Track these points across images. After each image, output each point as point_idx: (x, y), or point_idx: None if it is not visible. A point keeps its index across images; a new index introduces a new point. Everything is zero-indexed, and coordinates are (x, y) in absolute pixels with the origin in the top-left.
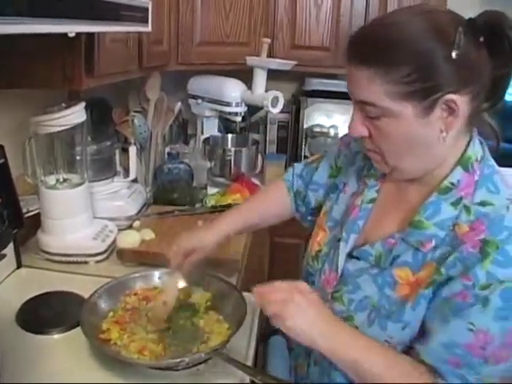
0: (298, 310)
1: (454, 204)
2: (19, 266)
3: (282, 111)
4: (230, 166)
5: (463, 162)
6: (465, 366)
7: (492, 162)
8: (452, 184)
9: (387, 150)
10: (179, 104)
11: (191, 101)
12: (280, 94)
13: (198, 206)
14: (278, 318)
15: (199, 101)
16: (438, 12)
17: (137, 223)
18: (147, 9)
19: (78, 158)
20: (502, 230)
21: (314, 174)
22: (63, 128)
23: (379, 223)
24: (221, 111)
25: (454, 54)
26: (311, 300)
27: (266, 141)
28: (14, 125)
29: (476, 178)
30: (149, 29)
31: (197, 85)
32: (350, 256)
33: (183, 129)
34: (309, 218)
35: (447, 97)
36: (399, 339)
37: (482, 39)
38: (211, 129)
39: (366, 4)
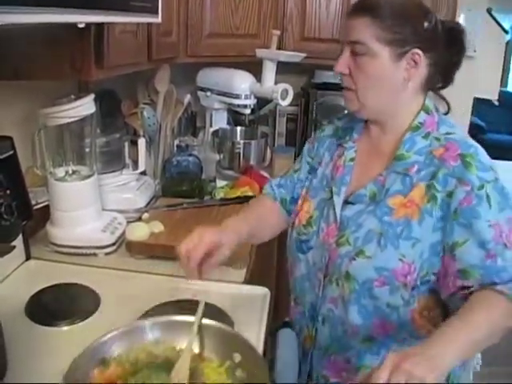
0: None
1: (425, 137)
2: (28, 257)
3: (291, 104)
4: (239, 159)
5: (424, 109)
6: (498, 256)
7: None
8: (420, 123)
9: (361, 87)
10: (188, 96)
11: (200, 93)
12: (289, 87)
13: (206, 198)
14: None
15: (208, 93)
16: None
17: (146, 215)
18: None
19: (87, 150)
20: (470, 146)
21: (295, 175)
22: (72, 120)
23: (363, 174)
24: (230, 104)
25: (426, 24)
26: (413, 354)
27: (274, 133)
28: (22, 116)
29: (436, 119)
30: (159, 20)
31: (206, 77)
32: (345, 203)
33: (192, 121)
34: None
35: (415, 50)
36: (411, 257)
37: (443, 34)
38: (220, 121)
39: None
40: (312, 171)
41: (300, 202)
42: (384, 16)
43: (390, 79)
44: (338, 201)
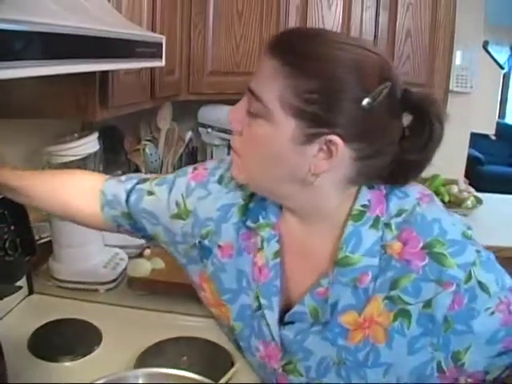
0: None
1: (374, 226)
2: (31, 292)
3: None
4: None
5: (366, 183)
6: None
7: None
8: (363, 206)
9: (249, 156)
10: (190, 133)
11: (201, 129)
12: None
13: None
14: None
15: (209, 129)
16: (375, 57)
17: (147, 251)
18: (161, 44)
19: None
20: (431, 225)
21: (147, 200)
22: (76, 158)
23: (297, 277)
24: (230, 140)
25: (365, 102)
26: None
27: None
28: (27, 153)
29: (384, 191)
30: (163, 64)
31: (207, 114)
32: (281, 322)
33: (193, 157)
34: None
35: (332, 137)
36: None
37: (404, 114)
38: (221, 157)
39: (375, 34)
40: (205, 255)
41: (211, 309)
42: (302, 69)
43: (290, 165)
44: (273, 319)
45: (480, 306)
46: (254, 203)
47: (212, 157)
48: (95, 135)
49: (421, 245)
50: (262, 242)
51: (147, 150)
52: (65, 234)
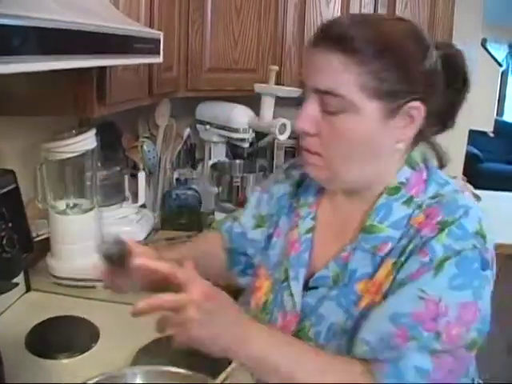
0: (201, 326)
1: (406, 202)
2: (28, 289)
3: (289, 137)
4: (238, 192)
5: (410, 162)
6: (412, 339)
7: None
8: (401, 183)
9: (336, 153)
10: (188, 130)
11: (199, 126)
12: (287, 122)
13: (205, 231)
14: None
15: (207, 126)
16: (412, 23)
17: None
18: (159, 40)
19: (87, 183)
20: (458, 208)
21: (242, 229)
22: (74, 154)
23: (325, 249)
24: (228, 137)
25: (427, 64)
26: (212, 310)
27: (273, 166)
28: (24, 150)
29: (424, 176)
30: (160, 60)
31: (205, 111)
32: (305, 289)
33: (191, 153)
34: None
35: (413, 103)
36: None
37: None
38: (219, 154)
39: None
40: (267, 238)
41: (257, 278)
42: (369, 53)
43: (377, 144)
44: (297, 287)
45: (421, 283)
46: (300, 188)
47: (210, 154)
48: (93, 132)
49: (438, 219)
50: (299, 219)
51: (145, 147)
52: (62, 231)
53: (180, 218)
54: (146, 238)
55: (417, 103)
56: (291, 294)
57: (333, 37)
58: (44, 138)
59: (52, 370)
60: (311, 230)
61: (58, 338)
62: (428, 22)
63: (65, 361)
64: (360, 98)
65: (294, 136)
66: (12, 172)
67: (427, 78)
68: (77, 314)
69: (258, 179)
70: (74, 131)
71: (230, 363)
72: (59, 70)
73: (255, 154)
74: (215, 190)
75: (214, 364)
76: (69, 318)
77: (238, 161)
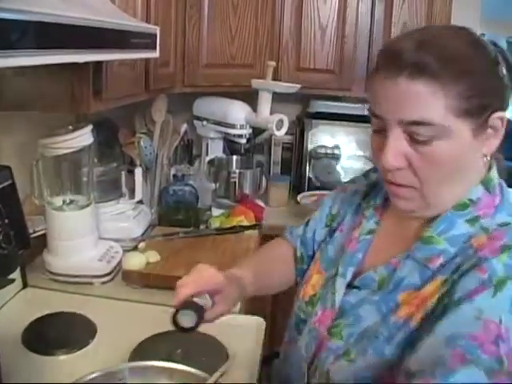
0: None
1: (470, 221)
2: (25, 285)
3: (286, 133)
4: (235, 188)
5: (486, 183)
6: (470, 362)
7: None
8: (470, 200)
9: (431, 180)
10: (185, 126)
11: (196, 122)
12: (285, 117)
13: (202, 227)
14: None
15: (204, 122)
16: (469, 29)
17: (142, 245)
18: (155, 35)
19: (84, 179)
20: None
21: (314, 233)
22: (70, 150)
23: (380, 254)
24: (226, 133)
25: (498, 70)
26: None
27: (270, 162)
28: (20, 145)
29: (497, 201)
30: (156, 54)
31: (202, 106)
32: (349, 287)
33: (188, 149)
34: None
35: (498, 114)
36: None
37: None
38: (216, 150)
39: (371, 27)
40: (330, 233)
41: (309, 272)
42: (448, 76)
43: (468, 161)
44: (341, 284)
45: (478, 301)
46: (373, 190)
47: (207, 150)
48: (89, 128)
49: (501, 242)
50: (364, 219)
51: (142, 143)
52: (59, 227)
53: (177, 213)
54: (143, 234)
55: (499, 113)
56: (333, 292)
57: (408, 65)
58: (40, 134)
59: (49, 367)
60: (372, 232)
61: (54, 334)
62: (426, 17)
63: (62, 357)
64: (451, 120)
65: (292, 132)
66: (8, 168)
67: (502, 85)
68: (74, 310)
69: (255, 175)
70: (70, 127)
71: (227, 357)
72: (56, 65)
73: (252, 149)
74: (212, 185)
75: (210, 360)
76: (66, 315)
77: (235, 157)
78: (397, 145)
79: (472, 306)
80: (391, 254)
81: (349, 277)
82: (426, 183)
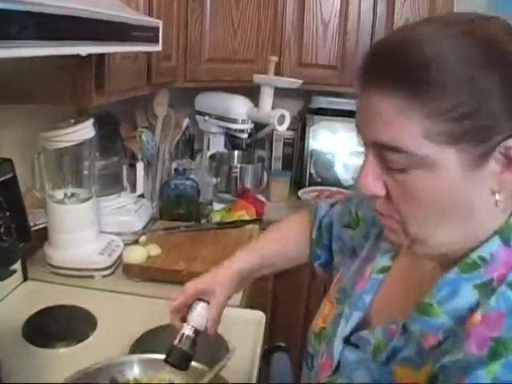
0: None
1: (481, 287)
2: (26, 278)
3: (288, 128)
4: (236, 183)
5: (504, 232)
6: None
7: None
8: (482, 259)
9: (411, 215)
10: (187, 120)
11: (198, 117)
12: (286, 113)
13: (203, 221)
14: None
15: (206, 117)
16: (488, 22)
17: (143, 238)
18: (158, 28)
19: (85, 172)
20: None
21: (333, 222)
22: (71, 144)
23: (389, 300)
24: (227, 128)
25: None
26: None
27: (271, 157)
28: (22, 138)
29: None
30: (159, 48)
31: (204, 101)
32: (347, 342)
33: (189, 144)
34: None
35: (508, 142)
36: None
37: None
38: (218, 145)
39: (373, 23)
40: (351, 255)
41: (325, 299)
42: (431, 88)
43: (463, 199)
44: (343, 330)
45: None
46: None
47: (209, 145)
48: (91, 121)
49: (494, 335)
50: (379, 253)
51: (144, 137)
52: (60, 221)
53: (178, 208)
54: (144, 228)
55: None
56: (335, 338)
57: (380, 74)
58: (42, 127)
59: (49, 359)
60: (385, 270)
61: (55, 327)
62: (428, 13)
63: (62, 350)
64: (430, 149)
65: (293, 128)
66: (9, 161)
67: None
68: (74, 303)
69: (256, 170)
70: (72, 120)
71: (228, 351)
72: (58, 58)
73: (254, 144)
74: (213, 180)
75: (210, 353)
76: (66, 308)
77: (236, 151)
78: (370, 169)
79: None
80: (400, 305)
81: (352, 323)
82: (406, 219)
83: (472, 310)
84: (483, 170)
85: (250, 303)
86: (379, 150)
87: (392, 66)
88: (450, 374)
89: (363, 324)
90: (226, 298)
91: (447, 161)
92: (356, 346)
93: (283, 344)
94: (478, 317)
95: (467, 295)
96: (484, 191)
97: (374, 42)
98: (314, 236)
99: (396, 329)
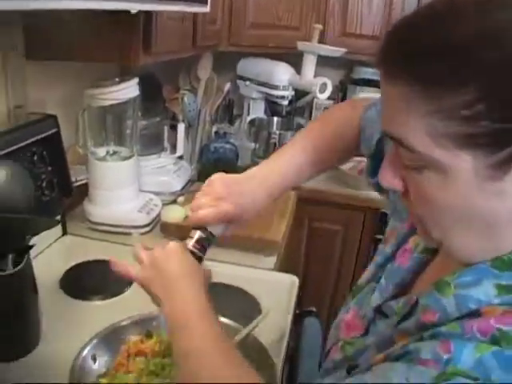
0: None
1: (501, 288)
2: (64, 233)
3: (328, 97)
4: (274, 149)
5: None
6: None
7: None
8: None
9: (428, 218)
10: (229, 84)
11: (240, 82)
12: (328, 81)
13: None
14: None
15: (247, 82)
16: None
17: (181, 199)
18: None
19: (128, 131)
20: None
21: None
22: (116, 102)
23: (426, 280)
24: (268, 94)
25: None
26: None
27: None
28: (66, 96)
29: None
30: (207, 9)
31: (246, 66)
32: (378, 311)
33: (229, 109)
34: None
35: None
36: None
37: None
38: (257, 111)
39: None
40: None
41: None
42: (441, 79)
43: (483, 210)
44: (375, 301)
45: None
46: None
47: (249, 110)
48: (135, 80)
49: (504, 327)
50: None
51: (186, 99)
52: (101, 177)
53: (216, 171)
54: (182, 189)
55: None
56: (369, 305)
57: (392, 62)
58: (85, 85)
59: (84, 311)
60: (428, 252)
61: (91, 280)
62: None
63: (97, 302)
64: (437, 151)
65: (334, 97)
66: (54, 117)
67: None
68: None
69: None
70: (116, 79)
71: (260, 312)
72: (107, 16)
73: (293, 112)
74: (252, 145)
75: (244, 313)
76: (103, 262)
77: (275, 118)
78: (392, 161)
79: (404, 376)
80: (428, 282)
81: (386, 294)
82: (426, 220)
83: (479, 305)
84: (502, 181)
85: (282, 266)
86: (396, 144)
87: (405, 50)
88: (435, 338)
89: (397, 297)
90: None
91: (460, 167)
92: (386, 316)
93: (314, 309)
94: (494, 309)
95: (485, 291)
96: (508, 205)
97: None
98: (362, 136)
99: (414, 299)
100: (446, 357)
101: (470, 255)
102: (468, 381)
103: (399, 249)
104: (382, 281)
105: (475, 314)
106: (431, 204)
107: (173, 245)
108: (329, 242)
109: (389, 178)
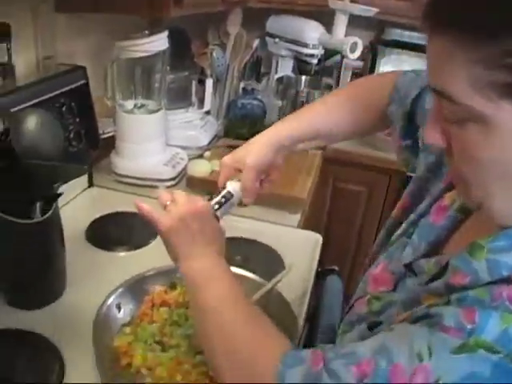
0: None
1: None
2: (91, 185)
3: (357, 58)
4: (302, 107)
5: None
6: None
7: None
8: None
9: (470, 175)
10: (257, 41)
11: (268, 39)
12: (359, 40)
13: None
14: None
15: (276, 40)
16: None
17: (207, 153)
18: None
19: (156, 85)
20: None
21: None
22: (145, 54)
23: (459, 241)
24: (297, 52)
25: None
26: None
27: (338, 85)
28: (96, 48)
29: None
30: None
31: (276, 24)
32: (408, 268)
33: (257, 66)
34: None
35: None
36: None
37: None
38: (286, 68)
39: None
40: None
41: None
42: (485, 27)
43: None
44: (406, 259)
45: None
46: None
47: (277, 68)
48: (165, 33)
49: None
50: None
51: (215, 54)
52: (128, 130)
53: (243, 127)
54: (208, 144)
55: None
56: (400, 261)
57: (436, 12)
58: (114, 37)
59: (109, 262)
60: (465, 212)
61: (117, 232)
62: None
63: (122, 254)
64: (479, 102)
65: (362, 58)
66: (83, 68)
67: None
68: (137, 211)
69: (322, 96)
70: (146, 32)
71: (284, 268)
72: None
73: (321, 72)
74: (279, 103)
75: (267, 268)
76: (129, 214)
77: (303, 76)
78: (435, 117)
79: (426, 341)
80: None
81: (418, 252)
82: (468, 179)
83: (509, 276)
84: None
85: (307, 225)
86: (438, 97)
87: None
88: (460, 304)
89: (429, 256)
90: (256, 163)
91: (503, 118)
92: (415, 274)
93: (336, 267)
94: None
95: None
96: None
97: None
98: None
99: (446, 260)
100: (469, 326)
101: (510, 216)
102: (489, 355)
103: (433, 205)
104: (415, 237)
105: (507, 280)
106: (474, 160)
107: (204, 204)
108: (352, 203)
109: (434, 134)
